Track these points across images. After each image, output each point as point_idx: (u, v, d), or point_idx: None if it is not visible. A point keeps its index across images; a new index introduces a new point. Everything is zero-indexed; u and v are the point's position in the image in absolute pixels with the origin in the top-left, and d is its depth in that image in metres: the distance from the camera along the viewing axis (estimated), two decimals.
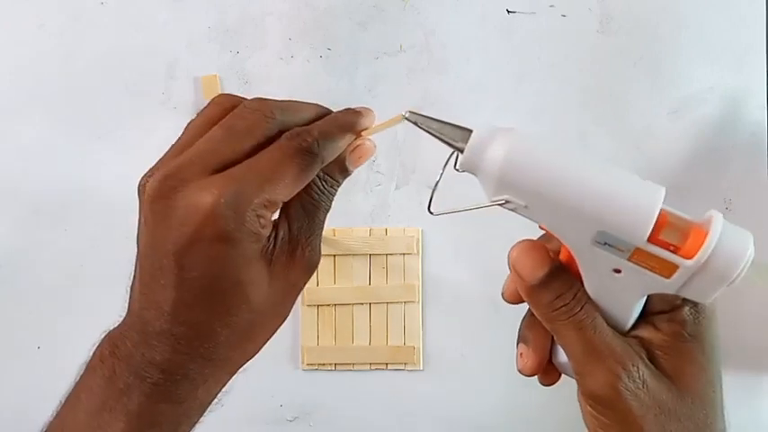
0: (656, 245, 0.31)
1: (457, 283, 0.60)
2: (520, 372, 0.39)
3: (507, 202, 0.34)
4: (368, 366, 0.59)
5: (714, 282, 0.31)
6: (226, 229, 0.32)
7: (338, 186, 0.38)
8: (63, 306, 0.60)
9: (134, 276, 0.36)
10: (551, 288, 0.35)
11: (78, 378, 0.36)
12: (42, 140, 0.61)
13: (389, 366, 0.59)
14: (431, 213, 0.37)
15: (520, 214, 0.34)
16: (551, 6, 0.61)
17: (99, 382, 0.35)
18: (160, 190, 0.33)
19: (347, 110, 0.38)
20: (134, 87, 0.61)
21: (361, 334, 0.59)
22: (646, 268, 0.32)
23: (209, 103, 0.37)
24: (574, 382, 0.36)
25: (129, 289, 0.36)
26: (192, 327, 0.34)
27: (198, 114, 0.37)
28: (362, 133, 0.38)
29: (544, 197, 0.32)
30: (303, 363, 0.59)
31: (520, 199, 0.33)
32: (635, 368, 0.34)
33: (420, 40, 0.61)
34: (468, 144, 0.33)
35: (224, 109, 0.36)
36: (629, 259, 0.32)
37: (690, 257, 0.31)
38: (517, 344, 0.39)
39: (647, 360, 0.34)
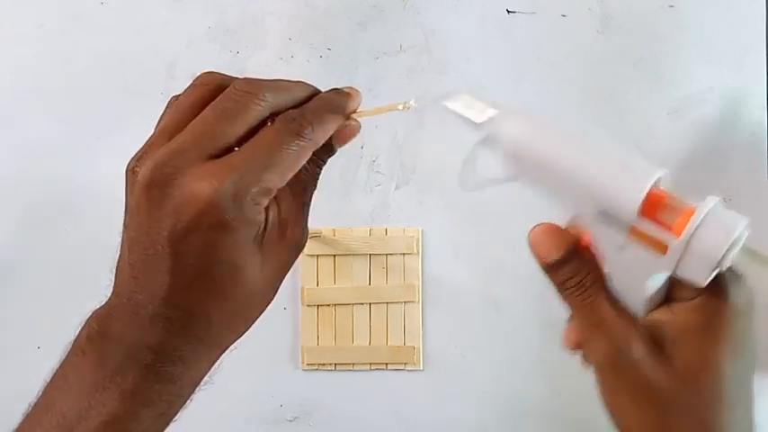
0: (650, 222, 0.33)
1: (457, 283, 0.60)
2: (564, 345, 0.40)
3: (519, 178, 0.36)
4: (368, 366, 0.59)
5: (702, 262, 0.32)
6: (225, 218, 0.32)
7: (323, 165, 0.39)
8: (63, 306, 0.60)
9: (121, 258, 0.36)
10: (563, 270, 0.37)
11: (65, 358, 0.36)
12: (42, 140, 0.61)
13: (389, 366, 0.59)
14: (463, 189, 0.41)
15: (534, 190, 0.36)
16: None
17: (89, 362, 0.35)
18: (155, 177, 0.33)
19: (335, 90, 0.39)
20: (134, 87, 0.61)
21: (361, 334, 0.59)
22: (643, 245, 0.33)
23: (193, 83, 0.37)
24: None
25: (113, 269, 0.37)
26: (187, 311, 0.34)
27: (183, 94, 0.36)
28: (353, 115, 0.39)
29: (547, 175, 0.35)
30: (303, 363, 0.59)
31: (528, 176, 0.36)
32: (629, 348, 0.35)
33: (420, 40, 0.61)
34: (484, 123, 0.37)
35: (209, 90, 0.36)
36: (628, 236, 0.34)
37: (678, 236, 0.32)
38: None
39: (649, 343, 0.35)
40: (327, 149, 0.39)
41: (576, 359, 0.59)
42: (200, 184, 0.32)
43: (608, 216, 0.34)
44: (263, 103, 0.35)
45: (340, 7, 0.61)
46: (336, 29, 0.61)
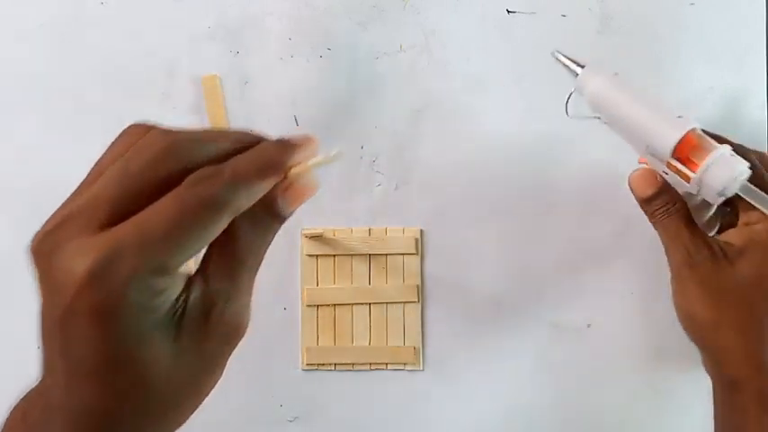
0: (679, 161, 0.46)
1: (457, 283, 0.60)
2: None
3: (599, 118, 0.50)
4: (368, 366, 0.59)
5: (710, 191, 0.45)
6: (102, 302, 0.27)
7: (271, 235, 0.32)
8: None
9: None
10: (655, 202, 0.50)
11: None
12: (42, 140, 0.61)
13: (389, 366, 0.59)
14: (567, 115, 0.53)
15: (609, 127, 0.50)
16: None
17: None
18: (40, 247, 0.29)
19: (277, 141, 0.32)
20: (134, 87, 0.61)
21: (361, 334, 0.59)
22: (675, 174, 0.47)
23: (119, 134, 0.32)
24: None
25: None
26: (88, 404, 0.29)
27: (106, 149, 0.32)
28: (293, 170, 0.31)
29: (614, 119, 0.49)
30: (303, 363, 0.59)
31: (604, 117, 0.50)
32: (699, 252, 0.47)
33: (420, 40, 0.61)
34: (577, 77, 0.51)
35: (130, 144, 0.31)
36: (667, 166, 0.47)
37: (695, 172, 0.45)
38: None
39: (716, 251, 0.47)
40: (273, 215, 0.32)
41: (575, 360, 0.59)
42: (77, 260, 0.27)
43: (653, 150, 0.47)
44: (172, 158, 0.29)
45: (340, 7, 0.61)
46: (336, 29, 0.61)
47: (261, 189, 0.30)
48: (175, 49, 0.61)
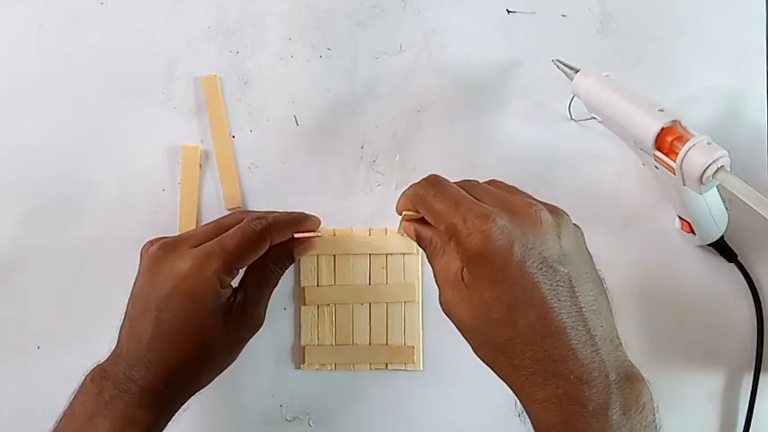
0: (663, 152, 0.48)
1: None
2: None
3: (594, 117, 0.54)
4: (368, 366, 0.59)
5: (691, 177, 0.47)
6: (193, 288, 0.46)
7: (285, 269, 0.54)
8: (63, 306, 0.60)
9: (124, 316, 0.48)
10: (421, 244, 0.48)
11: (72, 397, 0.47)
12: (42, 140, 0.61)
13: (389, 366, 0.59)
14: (572, 119, 0.59)
15: (604, 125, 0.54)
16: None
17: (90, 397, 0.46)
18: (156, 254, 0.47)
19: (301, 213, 0.55)
20: (134, 87, 0.61)
21: (361, 334, 0.59)
22: (662, 166, 0.49)
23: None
24: None
25: (119, 327, 0.48)
26: (162, 355, 0.46)
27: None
28: (302, 234, 0.53)
29: (606, 117, 0.52)
30: (303, 363, 0.59)
31: (597, 116, 0.53)
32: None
33: (420, 40, 0.61)
34: (572, 81, 0.54)
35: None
36: (654, 159, 0.49)
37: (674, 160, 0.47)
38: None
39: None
40: (289, 257, 0.54)
41: None
42: (181, 262, 0.46)
43: (640, 145, 0.50)
44: (256, 222, 0.50)
45: (340, 7, 0.62)
46: (336, 29, 0.61)
47: (286, 233, 0.52)
48: (175, 49, 0.61)
